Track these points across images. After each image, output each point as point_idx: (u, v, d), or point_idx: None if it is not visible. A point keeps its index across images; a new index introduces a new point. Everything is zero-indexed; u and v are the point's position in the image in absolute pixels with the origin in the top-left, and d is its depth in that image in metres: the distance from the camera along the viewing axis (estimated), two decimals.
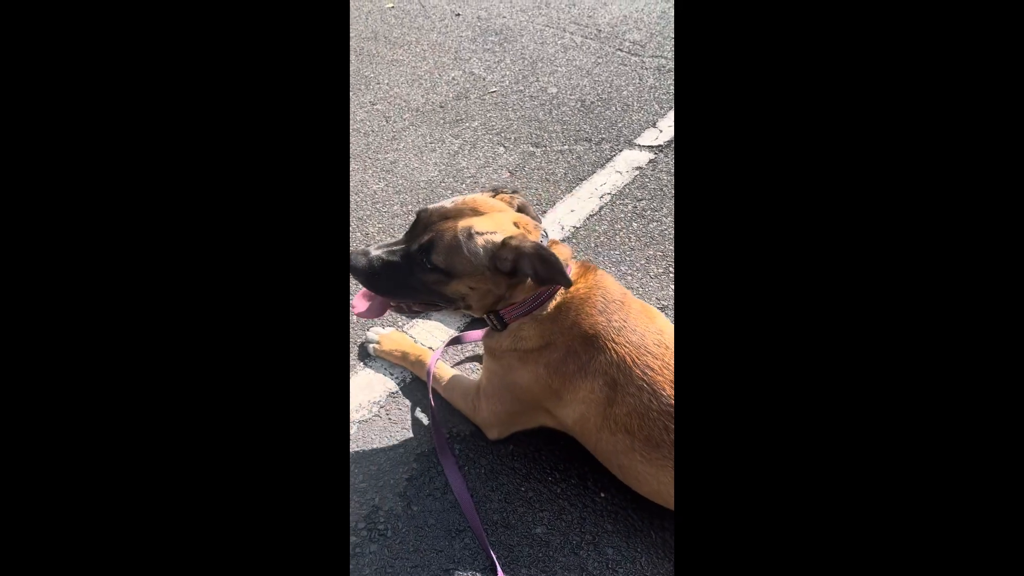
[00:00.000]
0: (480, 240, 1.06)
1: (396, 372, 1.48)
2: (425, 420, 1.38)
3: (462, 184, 2.13)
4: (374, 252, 1.12)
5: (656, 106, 2.51)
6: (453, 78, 2.76)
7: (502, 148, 2.31)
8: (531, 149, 2.30)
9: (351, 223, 1.97)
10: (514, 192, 1.22)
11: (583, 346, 1.11)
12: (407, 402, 1.42)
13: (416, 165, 2.23)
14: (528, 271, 1.04)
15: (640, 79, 2.69)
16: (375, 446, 1.33)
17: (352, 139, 2.38)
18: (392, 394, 1.44)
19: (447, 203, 1.13)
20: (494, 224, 1.08)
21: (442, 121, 2.47)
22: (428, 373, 1.40)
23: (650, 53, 2.87)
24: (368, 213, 2.01)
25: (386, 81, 2.75)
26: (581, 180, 2.13)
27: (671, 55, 2.84)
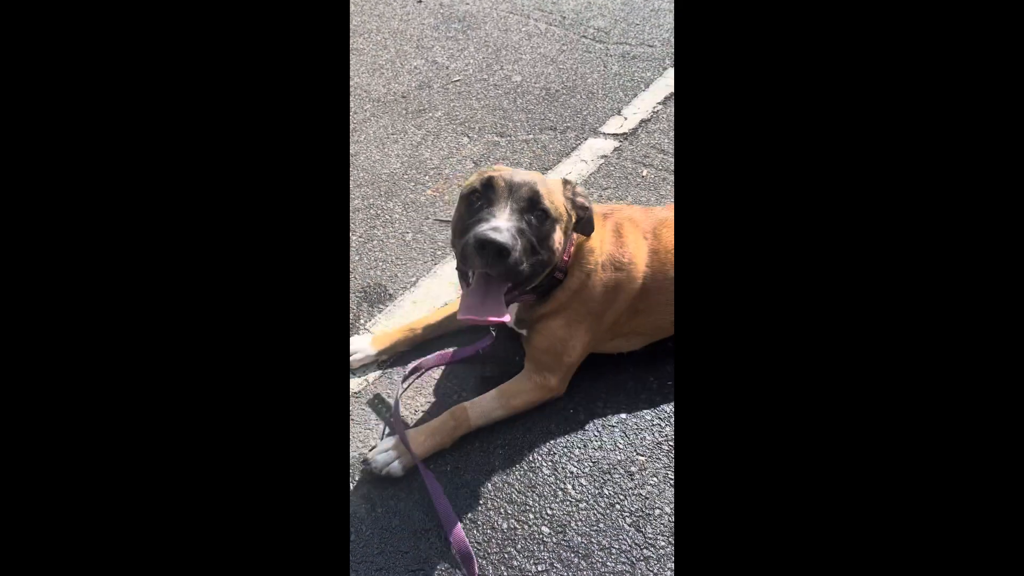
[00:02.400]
0: (551, 185, 1.17)
1: (358, 373, 1.44)
2: (388, 419, 1.35)
3: (425, 176, 2.08)
4: (504, 223, 1.04)
5: (620, 93, 2.49)
6: (415, 67, 2.69)
7: (466, 138, 2.27)
8: (496, 139, 2.26)
9: None
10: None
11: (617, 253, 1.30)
12: (368, 393, 1.39)
13: (378, 157, 2.17)
14: (581, 208, 1.21)
15: (605, 66, 2.67)
16: None
17: None
18: (354, 394, 1.41)
19: (499, 172, 1.14)
20: (547, 180, 1.18)
21: (404, 111, 2.41)
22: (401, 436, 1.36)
23: (615, 40, 2.85)
24: None
25: None
26: (547, 170, 2.11)
27: (635, 42, 2.82)
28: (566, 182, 1.22)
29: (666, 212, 1.43)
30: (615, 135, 2.26)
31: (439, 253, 1.77)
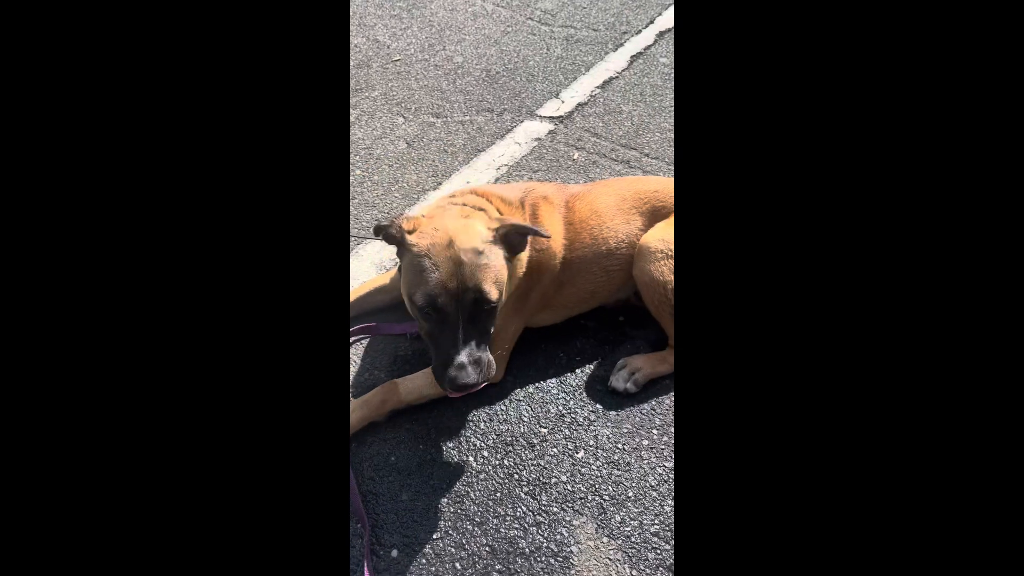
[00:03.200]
0: (487, 249, 1.14)
1: None
2: None
3: (356, 156, 2.06)
4: (464, 357, 1.09)
5: (561, 76, 2.51)
6: (355, 45, 2.65)
7: (401, 119, 2.25)
8: (431, 120, 2.25)
9: None
10: (409, 218, 1.21)
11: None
12: None
13: None
14: (517, 242, 1.21)
15: (548, 49, 2.67)
16: None
17: None
18: None
19: (435, 274, 1.10)
20: (470, 233, 1.15)
21: None
22: None
23: (560, 23, 2.85)
24: None
25: None
26: (479, 151, 2.11)
27: (581, 25, 2.83)
28: (500, 226, 1.18)
29: (579, 188, 1.46)
30: (551, 118, 2.28)
31: (362, 234, 1.76)
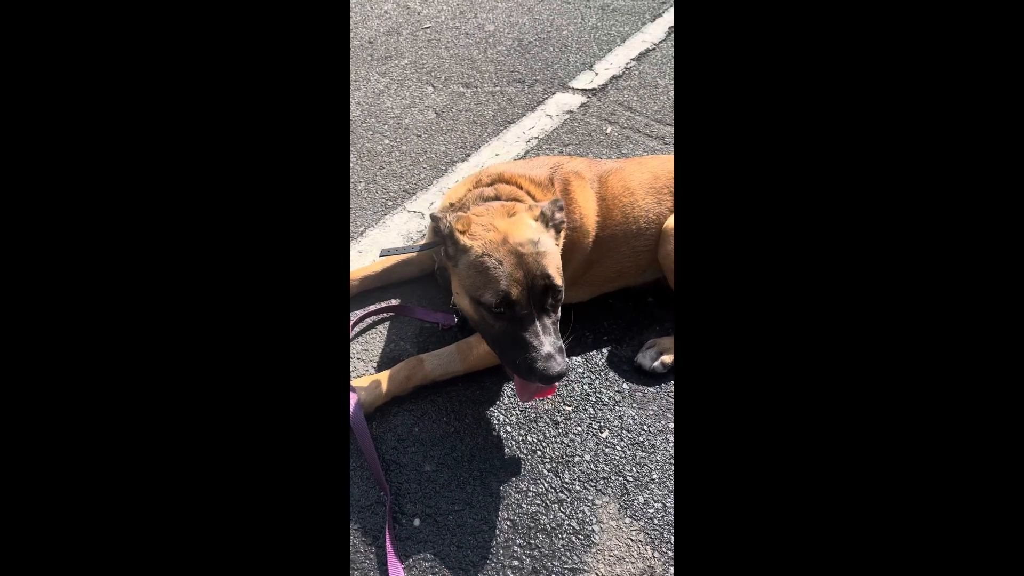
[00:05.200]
0: (541, 238, 1.13)
1: None
2: None
3: (384, 125, 2.03)
4: (551, 347, 1.06)
5: (595, 48, 2.42)
6: (386, 11, 2.59)
7: (431, 88, 2.20)
8: (461, 89, 2.20)
9: None
10: (460, 218, 1.19)
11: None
12: None
13: None
14: (561, 222, 1.21)
15: (582, 18, 2.58)
16: None
17: None
18: None
19: (500, 269, 1.09)
20: (522, 226, 1.13)
21: (369, 58, 2.34)
22: None
23: None
24: None
25: None
26: (509, 123, 2.06)
27: None
28: (544, 219, 1.16)
29: (613, 164, 1.41)
30: (584, 90, 2.21)
31: (389, 204, 1.75)
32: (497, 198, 1.26)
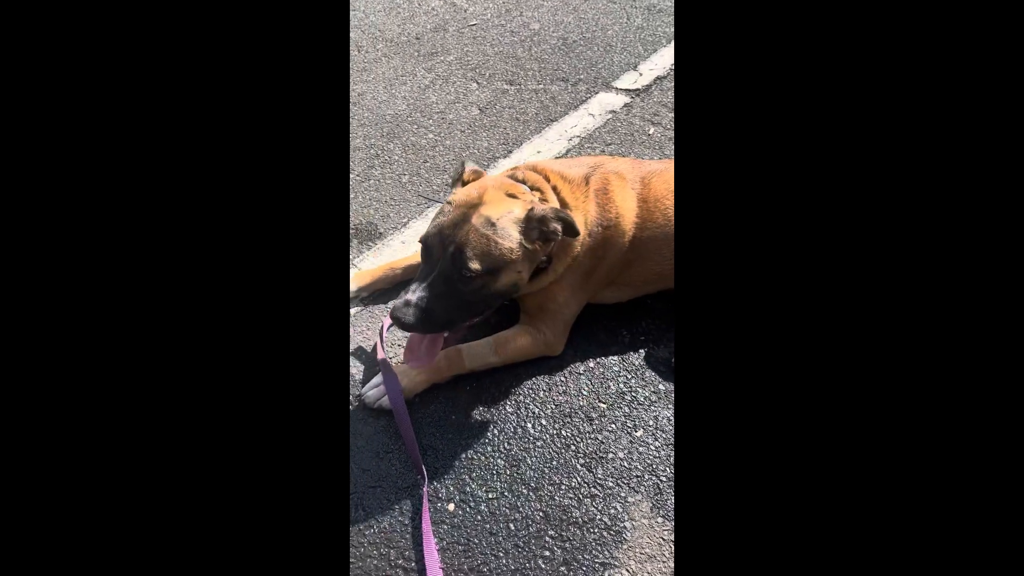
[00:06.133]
0: (502, 224, 1.13)
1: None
2: (367, 347, 1.40)
3: (429, 120, 2.07)
4: (413, 296, 1.12)
5: (640, 48, 2.41)
6: (432, 8, 2.63)
7: (475, 84, 2.23)
8: (505, 87, 2.22)
9: None
10: (473, 170, 1.30)
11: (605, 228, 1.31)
12: (351, 330, 1.44)
13: (384, 98, 2.16)
14: (553, 232, 1.16)
15: (628, 18, 2.56)
16: None
17: None
18: None
19: (442, 218, 1.16)
20: (500, 205, 1.16)
21: (416, 54, 2.38)
22: (382, 333, 1.40)
23: None
24: None
25: (362, 7, 2.63)
26: (552, 121, 2.08)
27: None
28: (529, 217, 1.15)
29: (658, 164, 1.41)
30: (627, 90, 2.20)
31: (432, 197, 1.78)
32: (523, 182, 1.28)
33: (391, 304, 1.13)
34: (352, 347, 1.41)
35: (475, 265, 1.11)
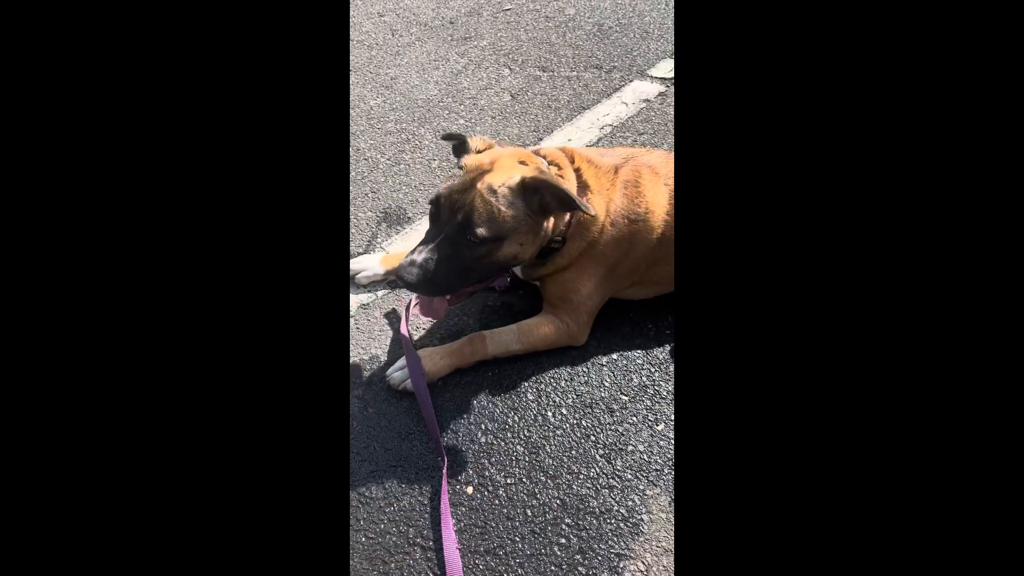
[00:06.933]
0: (502, 191, 1.13)
1: (368, 289, 1.52)
2: (390, 333, 1.42)
3: (461, 105, 2.07)
4: (419, 257, 1.14)
5: None
6: None
7: (507, 70, 2.22)
8: (537, 73, 2.20)
9: None
10: (483, 140, 1.29)
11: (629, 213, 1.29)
12: (376, 315, 1.46)
13: (417, 83, 2.17)
14: (551, 204, 1.15)
15: (665, 4, 2.50)
16: None
17: (355, 52, 2.32)
18: (363, 306, 1.49)
19: (452, 182, 1.18)
20: (505, 171, 1.16)
21: (450, 38, 2.37)
22: (407, 310, 1.42)
23: None
24: (362, 128, 1.99)
25: None
26: (584, 109, 2.05)
27: None
28: (523, 184, 1.14)
29: None
30: (663, 79, 2.15)
31: None
32: (543, 158, 1.28)
33: (398, 267, 1.15)
34: (378, 328, 1.43)
35: (481, 231, 1.13)
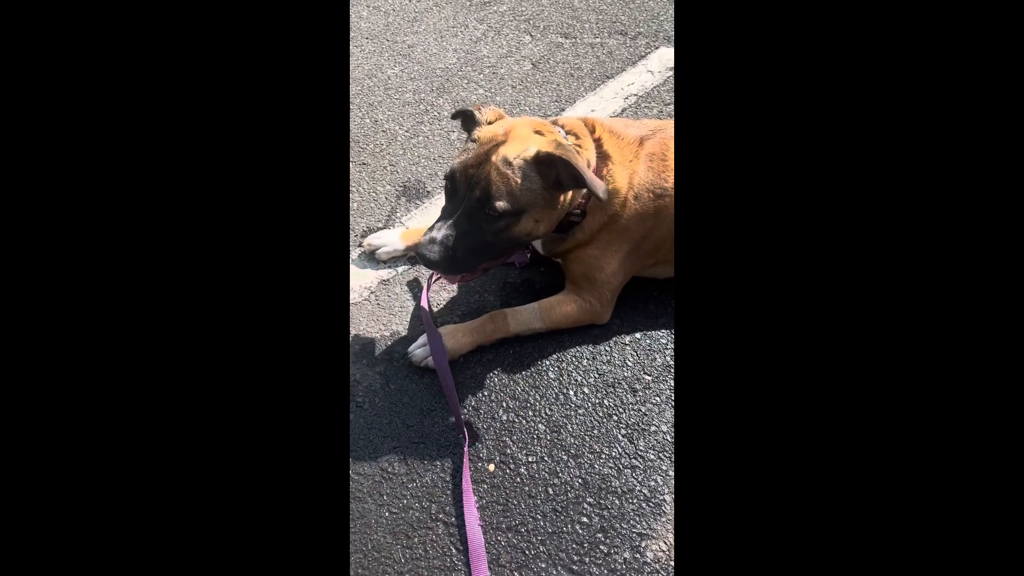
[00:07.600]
0: (519, 162, 1.11)
1: (388, 264, 1.51)
2: (411, 309, 1.41)
3: (480, 75, 2.00)
4: (439, 234, 1.12)
5: None
6: None
7: (528, 37, 2.14)
8: (559, 40, 2.12)
9: (362, 110, 1.91)
10: (494, 111, 1.24)
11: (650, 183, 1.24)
12: (397, 291, 1.45)
13: (435, 51, 2.10)
14: (566, 180, 1.12)
15: None
16: (362, 328, 1.39)
17: (371, 18, 2.25)
18: (384, 282, 1.48)
19: (466, 155, 1.14)
20: (520, 142, 1.13)
21: (468, 4, 2.29)
22: (425, 290, 1.40)
23: None
24: (379, 99, 1.94)
25: None
26: (608, 78, 1.97)
27: None
28: (537, 157, 1.10)
29: None
30: None
31: None
32: (561, 127, 1.23)
33: (419, 245, 1.14)
34: (398, 304, 1.43)
35: (502, 204, 1.10)
